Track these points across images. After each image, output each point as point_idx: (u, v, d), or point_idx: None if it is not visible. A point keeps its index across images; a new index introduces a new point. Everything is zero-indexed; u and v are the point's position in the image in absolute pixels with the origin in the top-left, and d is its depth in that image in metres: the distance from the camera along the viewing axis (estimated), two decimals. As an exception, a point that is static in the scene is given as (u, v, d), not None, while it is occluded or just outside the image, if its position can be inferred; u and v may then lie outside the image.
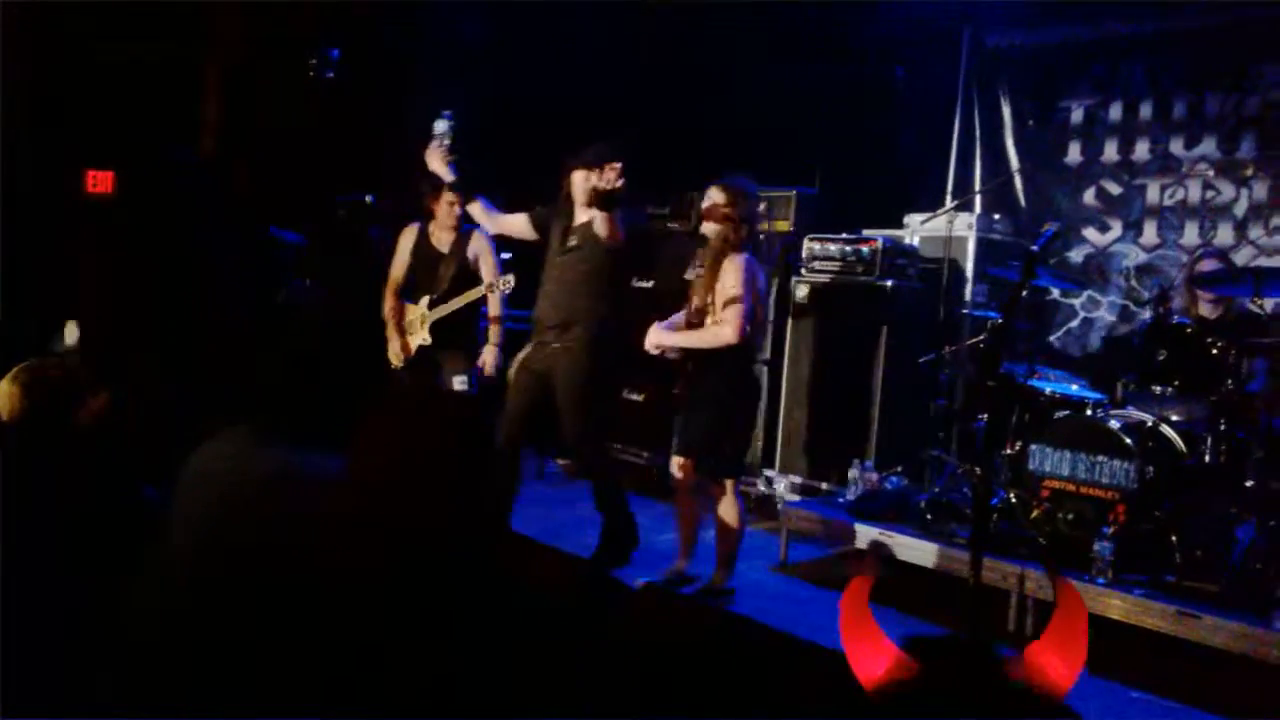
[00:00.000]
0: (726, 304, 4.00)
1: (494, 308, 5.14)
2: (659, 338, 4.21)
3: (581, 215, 4.47)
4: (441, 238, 5.15)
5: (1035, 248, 3.31)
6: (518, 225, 4.69)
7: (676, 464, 4.21)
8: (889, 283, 5.55)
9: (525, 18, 7.23)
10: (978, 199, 6.15)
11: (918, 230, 5.93)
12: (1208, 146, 5.71)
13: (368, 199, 5.45)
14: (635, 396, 6.49)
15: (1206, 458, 4.21)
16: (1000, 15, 6.34)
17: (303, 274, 5.17)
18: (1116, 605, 3.92)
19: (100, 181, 4.97)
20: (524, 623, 2.46)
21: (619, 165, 4.06)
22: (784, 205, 6.20)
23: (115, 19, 5.95)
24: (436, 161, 4.55)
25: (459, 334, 5.14)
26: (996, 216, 5.99)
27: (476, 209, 4.67)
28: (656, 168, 6.84)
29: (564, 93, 6.83)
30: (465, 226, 5.11)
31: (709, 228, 4.16)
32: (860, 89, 6.66)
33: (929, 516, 4.56)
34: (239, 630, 1.69)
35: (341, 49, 6.43)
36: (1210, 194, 5.67)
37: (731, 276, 4.01)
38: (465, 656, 2.00)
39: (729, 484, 4.23)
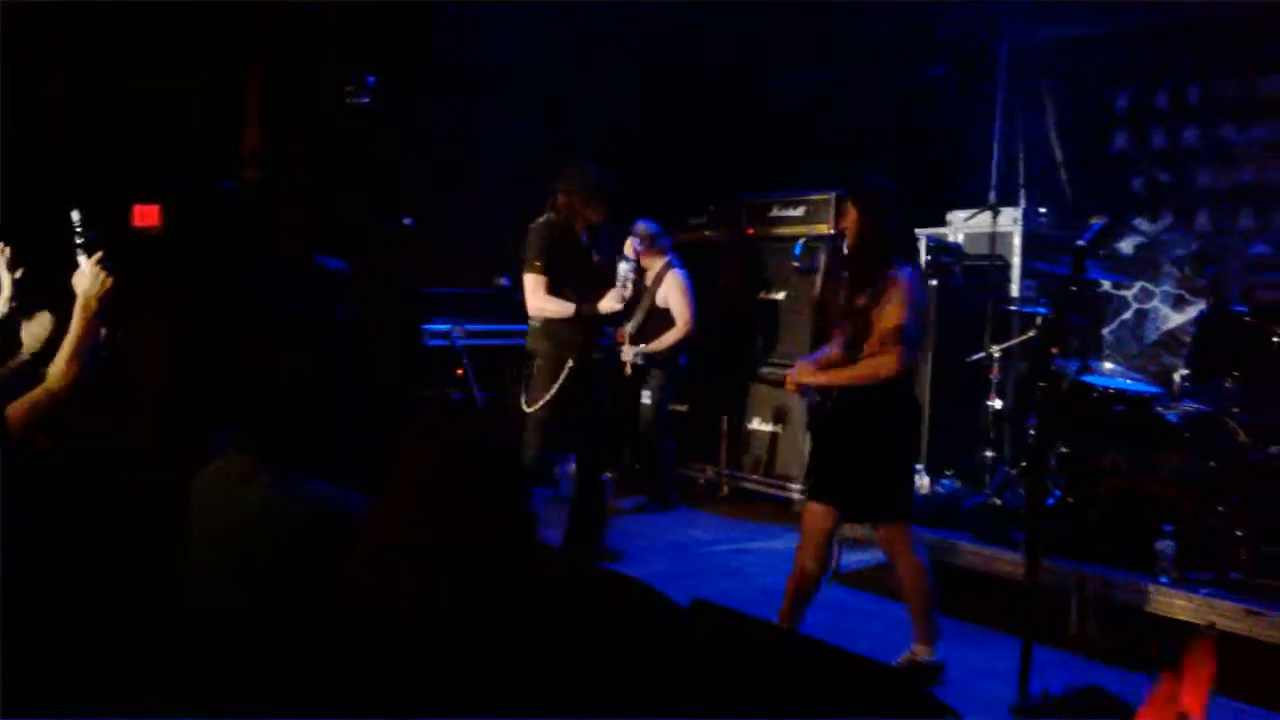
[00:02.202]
0: (888, 329, 3.44)
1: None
2: (808, 376, 3.66)
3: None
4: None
5: (1082, 242, 3.23)
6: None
7: (883, 534, 3.68)
8: (934, 282, 5.47)
9: (557, 33, 7.26)
10: (1023, 193, 6.04)
11: (961, 227, 5.84)
12: (1260, 129, 5.56)
13: (406, 222, 5.49)
14: (767, 427, 6.42)
15: (1271, 449, 4.09)
16: (1040, 9, 6.23)
17: (346, 301, 5.23)
18: (1182, 605, 3.82)
19: (146, 215, 5.05)
20: (568, 645, 2.43)
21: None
22: (824, 208, 6.15)
23: (151, 52, 6.05)
24: (614, 303, 4.54)
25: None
26: (1042, 210, 5.88)
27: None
28: (693, 175, 6.85)
29: (598, 104, 6.85)
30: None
31: (850, 243, 3.62)
32: (900, 88, 6.59)
33: (983, 520, 4.47)
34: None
35: (377, 74, 6.48)
36: (1264, 177, 5.52)
37: (894, 297, 3.45)
38: (512, 677, 1.97)
39: (900, 528, 3.62)
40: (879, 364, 3.46)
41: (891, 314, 3.44)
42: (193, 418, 2.75)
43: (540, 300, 4.51)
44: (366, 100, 6.45)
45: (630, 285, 4.56)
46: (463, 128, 6.93)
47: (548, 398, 4.54)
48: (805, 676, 2.69)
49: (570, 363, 4.54)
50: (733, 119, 6.87)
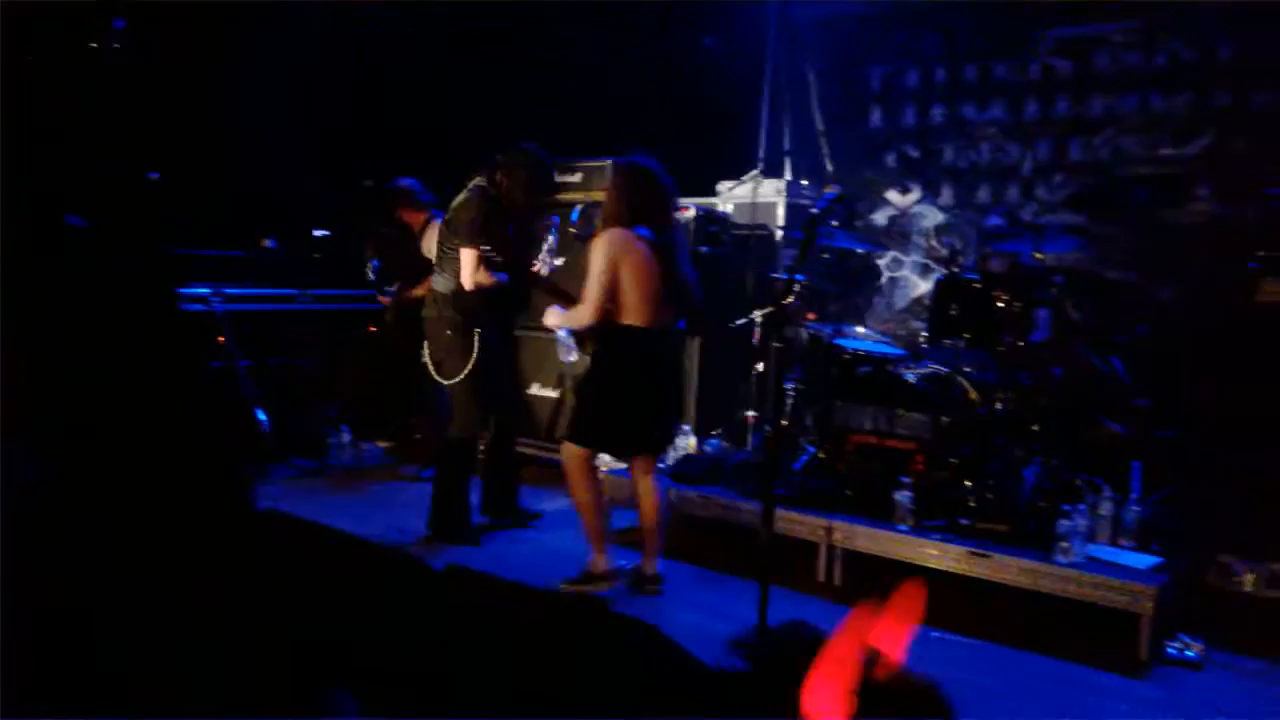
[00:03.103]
0: (590, 282, 4.00)
1: None
2: (548, 319, 4.27)
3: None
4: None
5: (816, 210, 3.41)
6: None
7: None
8: (703, 250, 5.62)
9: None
10: (788, 165, 6.29)
11: (729, 197, 6.03)
12: (997, 110, 6.01)
13: (152, 176, 5.15)
14: (547, 392, 6.36)
15: (997, 405, 4.45)
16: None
17: (84, 262, 4.87)
18: (917, 550, 4.11)
19: None
20: (309, 610, 2.39)
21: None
22: (599, 175, 6.20)
23: None
24: (538, 268, 4.75)
25: None
26: (805, 182, 6.15)
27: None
28: (474, 137, 6.76)
29: (372, 65, 6.65)
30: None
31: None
32: (672, 59, 6.71)
33: (743, 477, 4.66)
34: None
35: (127, 19, 6.04)
36: (999, 155, 5.97)
37: (592, 254, 4.01)
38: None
39: (570, 450, 4.13)
40: (577, 312, 4.07)
41: (591, 267, 3.98)
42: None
43: (480, 276, 4.59)
44: (115, 46, 6.02)
45: (554, 254, 4.79)
46: (224, 82, 6.57)
47: (470, 368, 4.60)
48: (563, 635, 2.74)
49: (478, 331, 4.62)
50: (512, 83, 6.82)
